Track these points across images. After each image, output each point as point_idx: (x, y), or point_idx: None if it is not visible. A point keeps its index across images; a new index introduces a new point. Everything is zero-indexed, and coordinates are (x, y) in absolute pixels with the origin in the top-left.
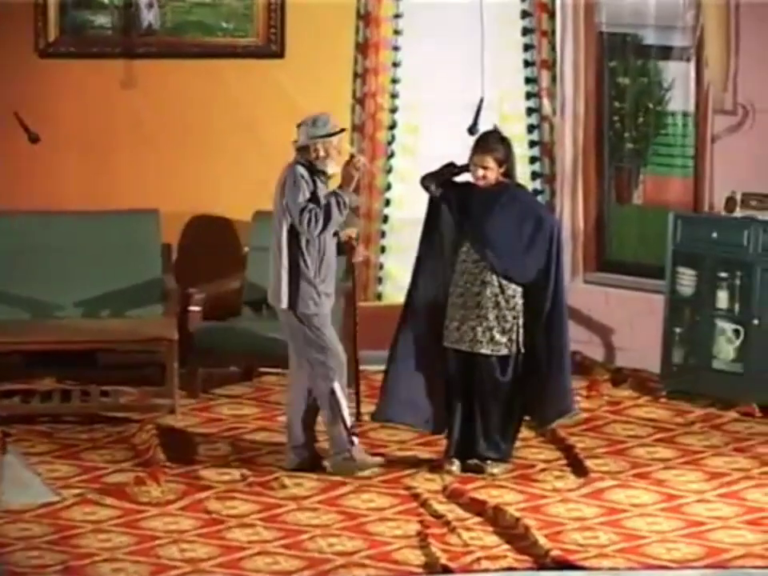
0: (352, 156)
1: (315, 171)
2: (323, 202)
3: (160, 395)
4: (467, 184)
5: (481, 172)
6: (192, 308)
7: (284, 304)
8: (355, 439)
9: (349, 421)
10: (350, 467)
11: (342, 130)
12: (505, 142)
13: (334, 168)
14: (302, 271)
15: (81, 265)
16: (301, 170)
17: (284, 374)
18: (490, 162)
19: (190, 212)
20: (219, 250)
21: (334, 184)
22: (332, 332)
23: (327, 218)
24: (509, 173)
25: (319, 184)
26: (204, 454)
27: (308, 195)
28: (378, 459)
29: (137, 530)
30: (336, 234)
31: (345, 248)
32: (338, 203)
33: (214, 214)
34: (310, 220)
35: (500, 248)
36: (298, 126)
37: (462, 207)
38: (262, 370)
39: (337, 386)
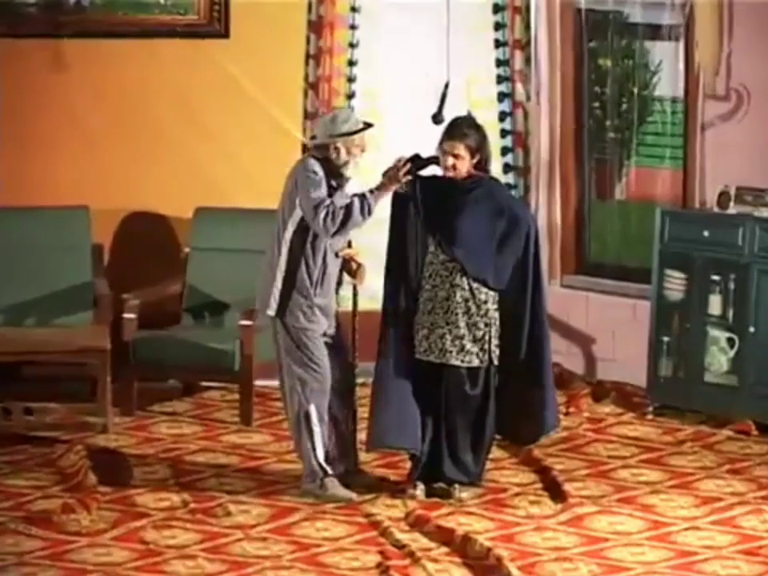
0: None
1: (331, 171)
2: (346, 201)
3: (91, 413)
4: (435, 178)
5: (451, 161)
6: (126, 315)
7: (272, 311)
8: (329, 469)
9: (321, 449)
10: (319, 497)
11: (368, 126)
12: (479, 129)
13: (349, 172)
14: (298, 279)
15: (2, 268)
16: (315, 164)
17: (229, 389)
18: (461, 149)
19: (123, 209)
20: (157, 250)
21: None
22: (322, 351)
23: (347, 218)
24: (483, 164)
25: (335, 188)
26: (140, 478)
27: (325, 190)
28: (352, 495)
29: (65, 562)
30: (336, 254)
31: (345, 267)
32: (362, 206)
33: (150, 210)
34: (327, 216)
35: (471, 249)
36: (313, 119)
37: (430, 203)
38: (205, 384)
39: (312, 410)
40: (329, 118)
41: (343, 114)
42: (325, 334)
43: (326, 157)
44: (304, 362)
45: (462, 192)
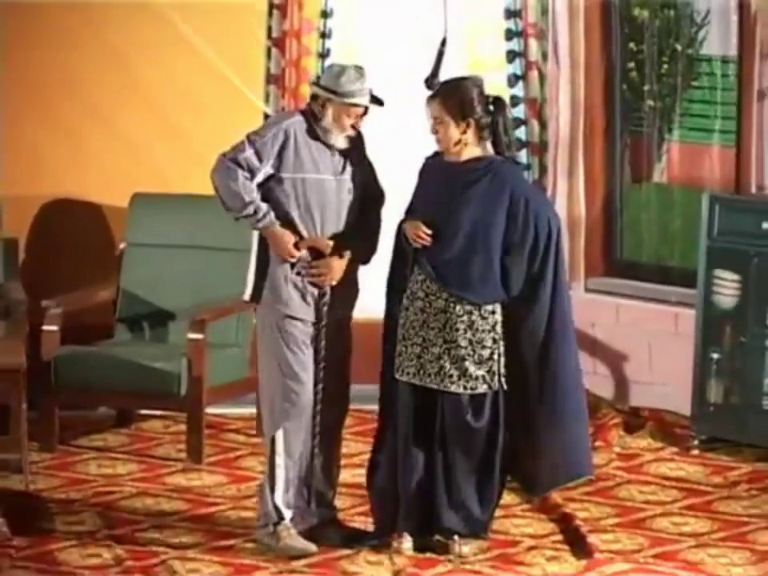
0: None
1: (311, 130)
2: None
3: (2, 448)
4: (440, 161)
5: (432, 127)
6: (46, 327)
7: (247, 296)
8: (287, 514)
9: (281, 490)
10: (272, 547)
11: (367, 104)
12: (471, 88)
13: (338, 140)
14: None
15: None
16: (291, 118)
17: (173, 418)
18: (437, 110)
19: (42, 195)
20: (84, 247)
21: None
22: (302, 361)
23: (223, 187)
24: (495, 141)
25: (317, 150)
26: (64, 529)
27: (251, 152)
28: (311, 547)
29: None
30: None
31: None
32: (246, 206)
33: (77, 197)
34: (219, 165)
35: (454, 258)
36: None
37: (423, 191)
38: (144, 412)
39: (279, 437)
40: (336, 69)
41: (351, 74)
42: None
43: (312, 111)
44: (278, 370)
45: (459, 183)
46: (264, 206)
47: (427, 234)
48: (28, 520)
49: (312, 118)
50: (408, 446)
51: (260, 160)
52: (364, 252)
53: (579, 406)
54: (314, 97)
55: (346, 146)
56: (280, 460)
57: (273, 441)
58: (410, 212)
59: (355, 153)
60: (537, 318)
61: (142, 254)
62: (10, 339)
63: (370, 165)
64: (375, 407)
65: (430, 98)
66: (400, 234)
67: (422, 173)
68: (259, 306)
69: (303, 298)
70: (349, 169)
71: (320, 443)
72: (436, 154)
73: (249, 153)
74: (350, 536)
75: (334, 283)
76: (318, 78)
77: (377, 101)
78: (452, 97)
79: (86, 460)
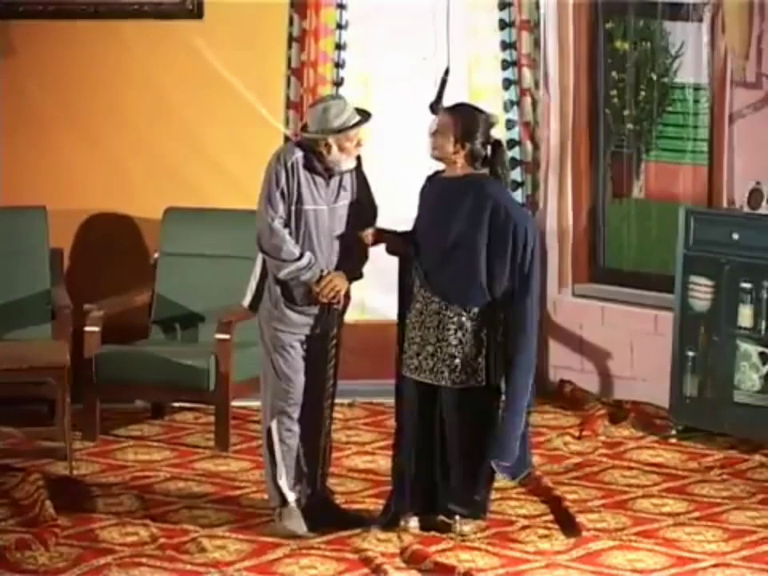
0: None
1: (320, 164)
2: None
3: (49, 437)
4: (440, 179)
5: (430, 139)
6: (88, 328)
7: (246, 302)
8: (290, 496)
9: (283, 474)
10: (275, 529)
11: (365, 119)
12: (464, 110)
13: (348, 165)
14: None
15: None
16: (293, 156)
17: (203, 410)
18: (446, 124)
19: (85, 209)
20: (122, 256)
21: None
22: (293, 365)
23: (274, 255)
24: (492, 168)
25: (315, 182)
26: (104, 510)
27: (278, 202)
28: (300, 529)
29: None
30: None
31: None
32: (295, 267)
33: (115, 211)
34: (263, 232)
35: (436, 262)
36: (295, 109)
37: (423, 207)
38: (176, 405)
39: (273, 427)
40: (321, 108)
41: (336, 107)
42: (307, 340)
43: (315, 151)
44: (273, 371)
45: (450, 198)
46: (305, 261)
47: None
48: (72, 502)
49: (317, 156)
50: (415, 436)
51: (283, 204)
52: (354, 270)
53: (518, 414)
54: (314, 141)
55: (354, 164)
56: (278, 448)
57: (269, 432)
58: (414, 227)
59: (349, 174)
60: (513, 315)
61: (175, 262)
62: (57, 340)
63: (364, 180)
64: (384, 400)
65: (446, 110)
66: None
67: (423, 191)
68: (259, 312)
69: (301, 314)
70: (343, 194)
71: (310, 433)
72: (435, 173)
73: (278, 203)
74: (345, 517)
75: (342, 292)
76: (305, 126)
77: (365, 113)
78: (462, 119)
79: (125, 448)
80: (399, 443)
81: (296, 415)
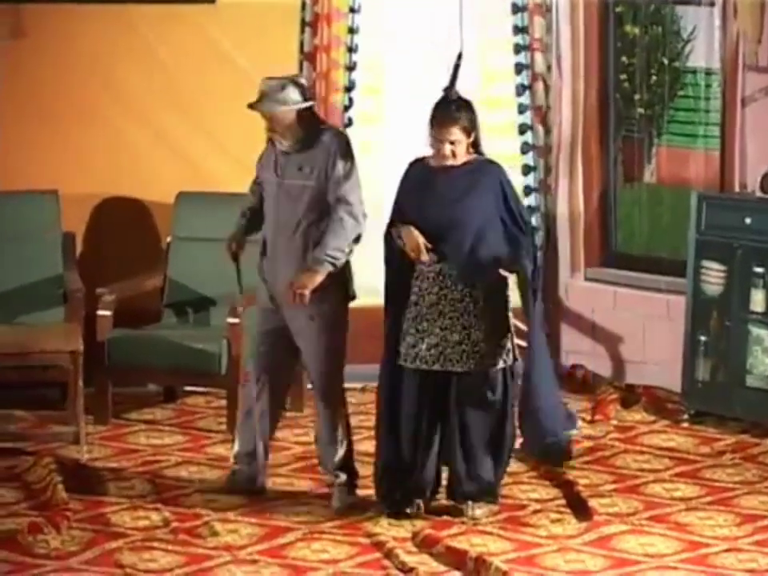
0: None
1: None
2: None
3: (61, 421)
4: (422, 166)
5: (448, 148)
6: (101, 312)
7: None
8: (234, 463)
9: (236, 446)
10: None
11: (252, 103)
12: (469, 105)
13: (279, 144)
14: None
15: None
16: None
17: (215, 394)
18: (457, 133)
19: (97, 193)
20: (135, 240)
21: None
22: (258, 338)
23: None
24: (476, 143)
25: (276, 157)
26: (116, 494)
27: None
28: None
29: None
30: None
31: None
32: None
33: (127, 195)
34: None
35: (472, 255)
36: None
37: (422, 199)
38: (188, 389)
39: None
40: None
41: (260, 84)
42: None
43: None
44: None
45: (460, 183)
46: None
47: (428, 249)
48: (84, 486)
49: None
50: (416, 425)
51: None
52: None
53: (543, 373)
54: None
55: (287, 149)
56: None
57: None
58: (401, 216)
59: (324, 161)
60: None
61: (187, 246)
62: (69, 324)
63: (333, 168)
64: None
65: (447, 126)
66: (392, 238)
67: (408, 177)
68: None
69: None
70: (297, 173)
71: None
72: (419, 159)
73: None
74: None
75: (307, 292)
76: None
77: (261, 100)
78: (464, 119)
79: (136, 432)
80: (386, 433)
81: (255, 391)
